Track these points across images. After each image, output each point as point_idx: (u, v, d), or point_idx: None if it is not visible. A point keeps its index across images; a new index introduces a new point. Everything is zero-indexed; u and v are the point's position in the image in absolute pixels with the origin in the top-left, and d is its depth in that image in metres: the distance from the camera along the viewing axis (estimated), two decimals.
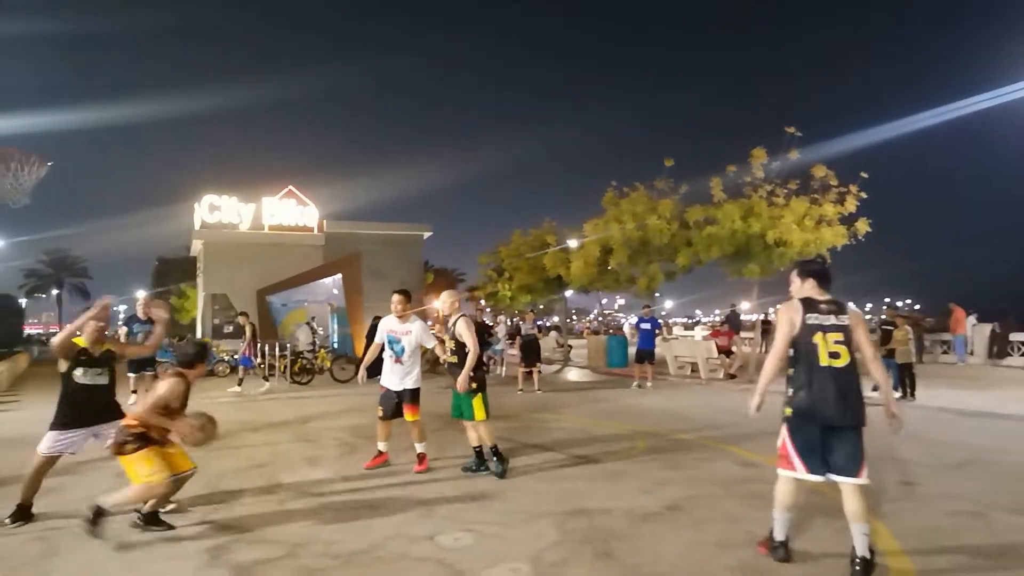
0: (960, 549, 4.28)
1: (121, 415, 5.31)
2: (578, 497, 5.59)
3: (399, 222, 30.34)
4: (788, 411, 4.02)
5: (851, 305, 4.07)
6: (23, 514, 5.10)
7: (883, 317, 13.64)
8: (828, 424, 3.88)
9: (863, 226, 14.10)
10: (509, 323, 24.07)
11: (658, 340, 15.64)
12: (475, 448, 6.57)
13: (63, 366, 5.27)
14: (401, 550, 4.38)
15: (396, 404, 6.69)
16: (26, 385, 17.64)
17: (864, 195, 14.09)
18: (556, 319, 47.55)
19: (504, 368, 18.62)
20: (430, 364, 18.29)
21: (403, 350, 6.73)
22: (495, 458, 6.39)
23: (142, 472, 4.61)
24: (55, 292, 72.28)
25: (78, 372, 5.25)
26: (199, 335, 28.21)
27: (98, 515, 4.54)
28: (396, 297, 6.93)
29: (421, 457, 6.66)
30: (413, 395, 6.72)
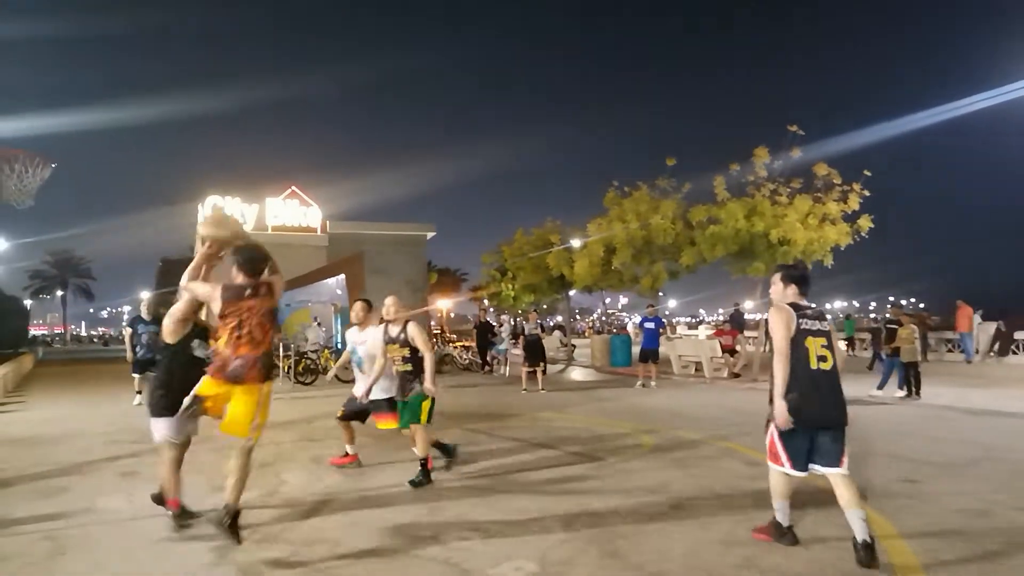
0: (966, 546, 4.28)
1: None
2: (584, 496, 5.59)
3: (402, 222, 30.37)
4: (785, 405, 4.15)
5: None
6: (185, 514, 4.90)
7: (888, 316, 13.63)
8: (818, 424, 4.11)
9: (866, 224, 14.10)
10: (512, 323, 24.08)
11: (662, 339, 15.64)
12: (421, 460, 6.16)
13: (173, 339, 4.85)
14: (407, 549, 4.39)
15: (361, 410, 6.69)
16: (31, 386, 17.71)
17: (867, 193, 14.09)
18: (560, 319, 47.57)
19: (508, 368, 18.62)
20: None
21: (360, 360, 6.64)
22: (421, 468, 6.05)
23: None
24: (59, 293, 72.46)
25: (195, 344, 4.89)
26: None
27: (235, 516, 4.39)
28: (357, 305, 6.80)
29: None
30: (379, 405, 6.58)
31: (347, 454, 6.83)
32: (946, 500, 5.36)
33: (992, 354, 19.73)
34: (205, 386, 4.37)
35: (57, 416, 11.34)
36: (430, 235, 30.57)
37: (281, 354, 16.31)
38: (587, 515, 5.06)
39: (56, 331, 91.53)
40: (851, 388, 13.51)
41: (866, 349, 24.35)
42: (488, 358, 19.73)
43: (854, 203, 14.00)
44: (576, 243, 19.38)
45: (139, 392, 12.42)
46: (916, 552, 4.18)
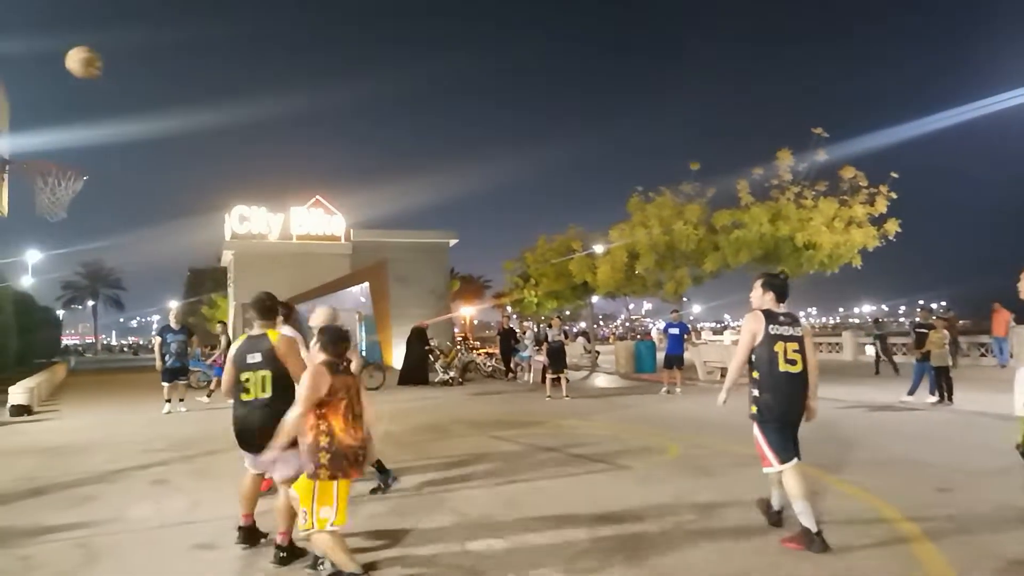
0: (999, 556, 4.17)
1: None
2: (609, 503, 5.56)
3: (425, 229, 30.52)
4: (754, 409, 4.55)
5: (802, 320, 4.66)
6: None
7: (917, 319, 13.39)
8: (786, 419, 4.50)
9: (893, 227, 13.88)
10: (536, 329, 24.07)
11: (687, 345, 15.52)
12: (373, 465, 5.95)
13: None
14: (432, 556, 4.39)
15: None
16: (64, 395, 18.05)
17: (894, 195, 13.87)
18: (583, 325, 47.43)
19: (532, 375, 18.59)
20: (459, 370, 18.35)
21: None
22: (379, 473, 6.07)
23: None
24: (91, 303, 73.80)
25: None
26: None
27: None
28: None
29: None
30: None
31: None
32: (979, 508, 5.24)
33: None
34: (343, 488, 3.92)
35: (88, 425, 11.55)
36: (453, 242, 30.70)
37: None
38: (613, 523, 5.02)
39: (87, 341, 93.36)
40: (881, 394, 13.29)
41: (894, 354, 23.97)
42: (512, 365, 19.72)
43: (881, 206, 13.80)
44: (599, 249, 19.32)
45: (168, 401, 12.61)
46: (951, 562, 4.09)
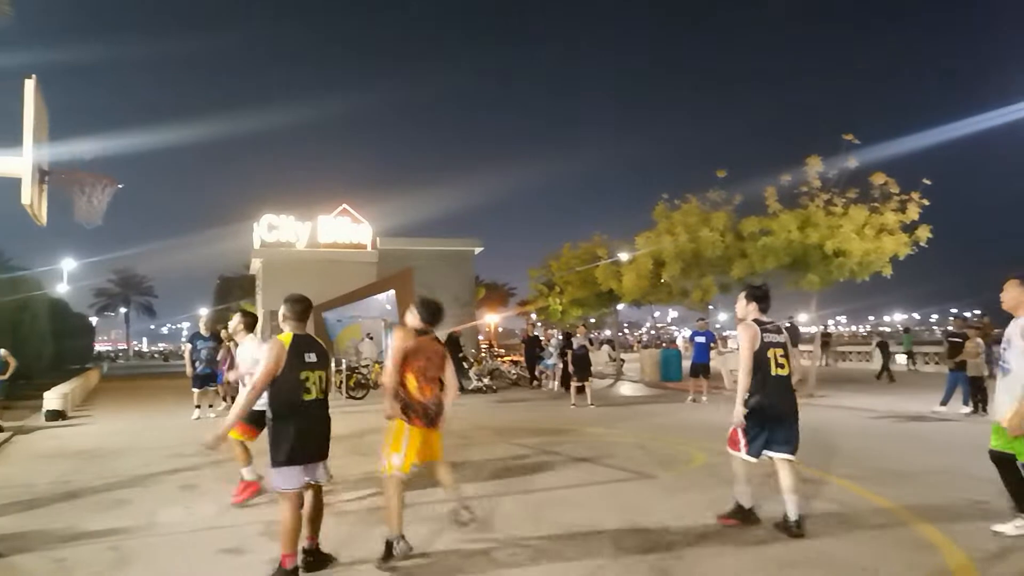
0: None
1: None
2: (634, 513, 5.52)
3: (450, 237, 30.67)
4: (746, 410, 4.94)
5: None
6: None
7: (950, 328, 13.12)
8: (777, 417, 4.94)
9: (925, 233, 13.61)
10: (560, 337, 24.03)
11: (713, 353, 15.38)
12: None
13: None
14: (457, 565, 4.40)
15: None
16: (97, 400, 18.41)
17: (927, 202, 13.62)
18: (608, 333, 47.23)
19: (556, 382, 18.55)
20: (484, 377, 18.36)
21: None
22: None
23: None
24: (123, 310, 75.17)
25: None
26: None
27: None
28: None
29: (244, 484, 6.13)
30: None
31: (246, 482, 6.18)
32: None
33: None
34: (414, 439, 4.50)
35: (121, 430, 11.75)
36: (478, 250, 30.83)
37: (332, 369, 16.59)
38: (638, 533, 4.99)
39: (120, 347, 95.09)
40: (913, 404, 13.04)
41: (927, 363, 23.53)
42: (536, 372, 19.70)
43: (913, 213, 13.55)
44: (624, 256, 19.24)
45: (198, 407, 12.79)
46: (982, 573, 4.00)
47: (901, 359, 24.46)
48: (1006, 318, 4.92)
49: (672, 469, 7.27)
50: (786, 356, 4.98)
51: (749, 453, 4.95)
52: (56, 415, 13.10)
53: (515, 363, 22.08)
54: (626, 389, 18.69)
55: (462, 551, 4.64)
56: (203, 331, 12.87)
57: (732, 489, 5.12)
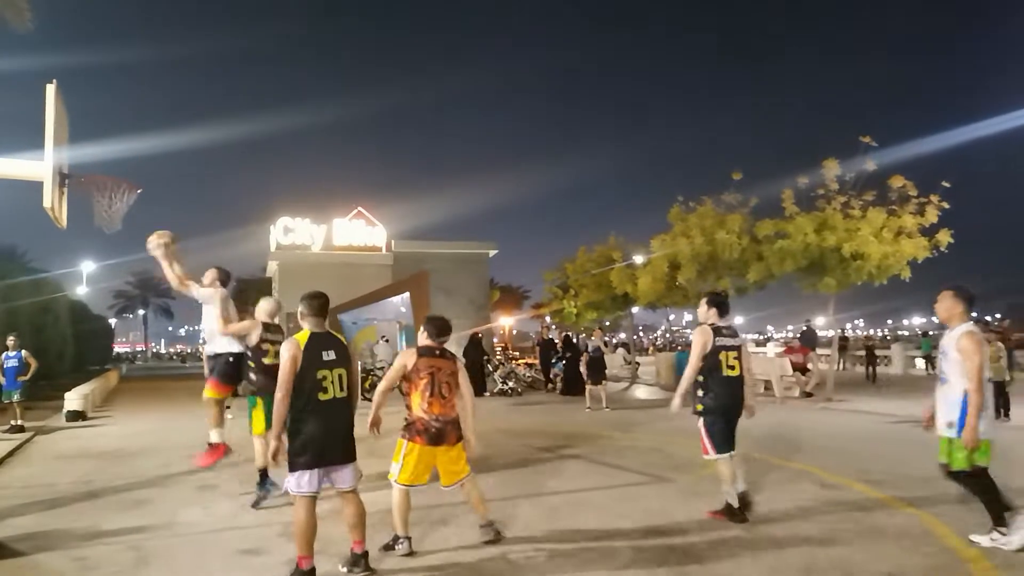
0: None
1: None
2: (652, 516, 5.50)
3: (465, 240, 30.71)
4: (700, 407, 5.36)
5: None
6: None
7: None
8: (728, 416, 5.36)
9: (945, 237, 13.45)
10: (576, 340, 23.97)
11: None
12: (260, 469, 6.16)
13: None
14: (475, 566, 4.40)
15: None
16: (116, 401, 18.61)
17: (946, 205, 13.46)
18: (623, 336, 47.06)
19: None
20: (514, 381, 18.36)
21: None
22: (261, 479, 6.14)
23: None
24: (141, 312, 75.85)
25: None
26: None
27: None
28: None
29: (210, 447, 6.22)
30: (216, 372, 6.23)
31: (212, 445, 6.26)
32: None
33: None
34: (411, 454, 4.62)
35: (140, 431, 11.87)
36: (492, 253, 30.85)
37: (357, 367, 16.65)
38: (655, 536, 4.97)
39: (138, 348, 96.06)
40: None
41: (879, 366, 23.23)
42: (551, 375, 19.67)
43: (932, 216, 13.39)
44: (639, 259, 19.17)
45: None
46: None
47: (920, 363, 24.18)
48: None
49: (689, 473, 7.23)
50: (739, 359, 5.41)
51: (720, 452, 5.32)
52: (76, 416, 13.26)
53: (530, 366, 22.05)
54: (641, 392, 18.62)
55: (480, 553, 4.65)
56: None
57: (722, 486, 5.38)
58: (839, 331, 20.00)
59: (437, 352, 4.77)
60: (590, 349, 14.67)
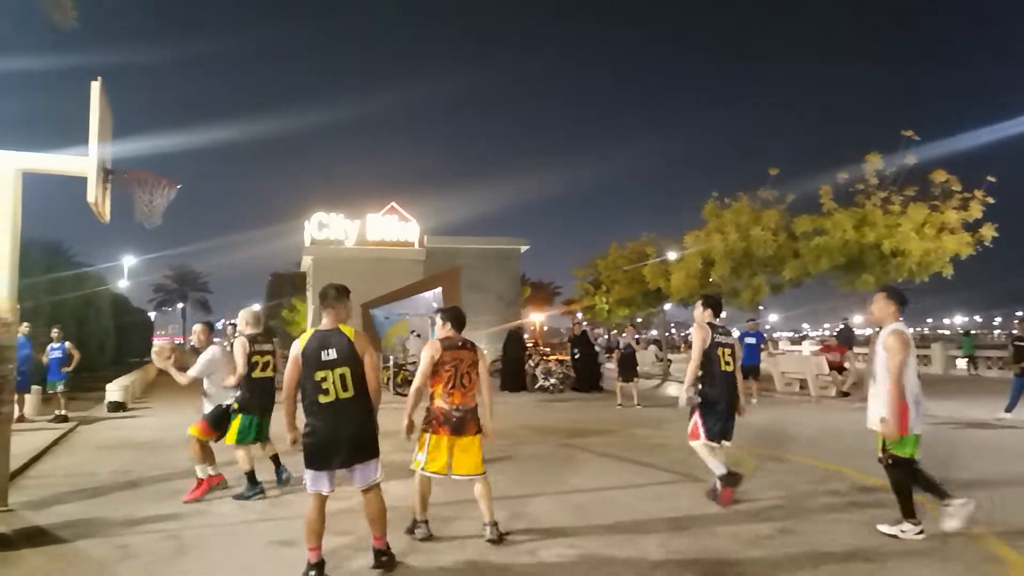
0: None
1: None
2: (682, 516, 5.45)
3: (496, 236, 30.75)
4: (699, 399, 5.86)
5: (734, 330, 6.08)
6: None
7: (1015, 332, 12.58)
8: (726, 409, 5.81)
9: (989, 232, 13.07)
10: (607, 337, 23.84)
11: (763, 355, 15.06)
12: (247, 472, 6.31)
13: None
14: (504, 562, 4.41)
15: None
16: (155, 393, 19.01)
17: (991, 200, 13.08)
18: (654, 333, 46.68)
19: (602, 382, 18.44)
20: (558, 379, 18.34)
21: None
22: (248, 482, 6.26)
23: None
24: (180, 306, 77.39)
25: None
26: None
27: None
28: (198, 328, 6.82)
29: (198, 483, 6.24)
30: (207, 415, 6.36)
31: (201, 480, 6.29)
32: None
33: None
34: (436, 444, 4.76)
35: (178, 423, 12.07)
36: (524, 249, 30.85)
37: (380, 366, 16.80)
38: (686, 537, 4.92)
39: (176, 341, 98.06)
40: (974, 410, 12.57)
41: (990, 368, 22.64)
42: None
43: (976, 211, 13.02)
44: (672, 256, 19.00)
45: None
46: None
47: (961, 363, 23.57)
48: None
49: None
50: (733, 356, 5.88)
51: (709, 438, 5.79)
52: (117, 406, 13.59)
53: (560, 362, 22.00)
54: (673, 390, 18.45)
55: (509, 549, 4.65)
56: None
57: (708, 466, 5.89)
58: (877, 329, 19.52)
59: (459, 343, 4.87)
60: (621, 346, 14.58)
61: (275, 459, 6.74)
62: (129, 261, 36.14)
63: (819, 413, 12.75)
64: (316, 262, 28.50)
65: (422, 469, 4.79)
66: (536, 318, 40.48)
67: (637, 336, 16.40)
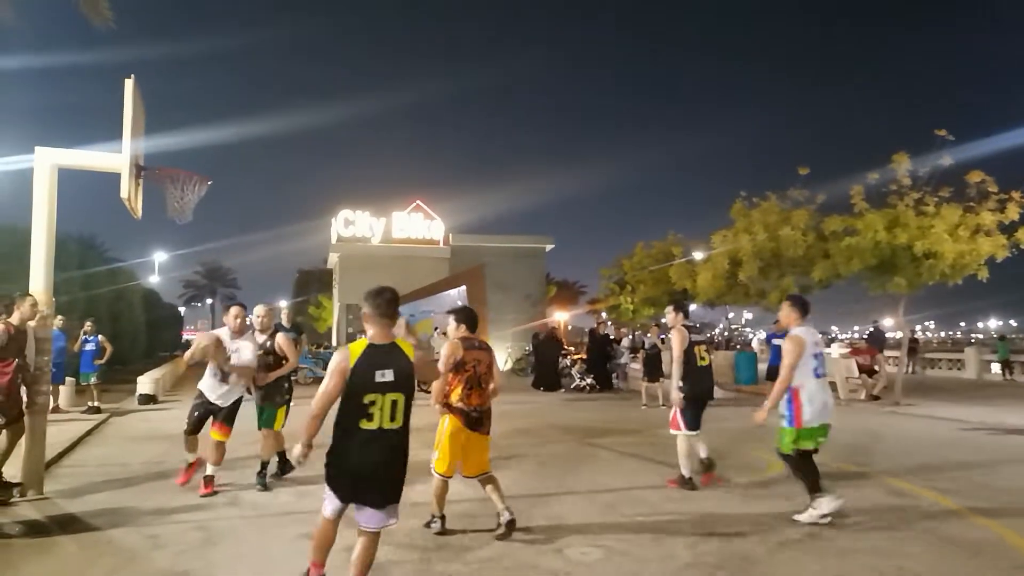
0: None
1: None
2: (710, 518, 5.40)
3: (522, 234, 30.74)
4: (681, 394, 6.36)
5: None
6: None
7: None
8: (703, 399, 6.52)
9: None
10: (632, 337, 23.72)
11: None
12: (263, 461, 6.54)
13: None
14: (530, 561, 4.40)
15: (202, 417, 6.32)
16: (186, 386, 19.29)
17: None
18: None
19: (626, 382, 18.35)
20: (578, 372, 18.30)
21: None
22: (261, 471, 6.46)
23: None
24: (208, 301, 78.45)
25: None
26: (334, 343, 29.81)
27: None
28: (233, 310, 6.34)
29: (208, 480, 6.19)
30: (227, 414, 6.28)
31: (190, 464, 6.48)
32: None
33: None
34: (453, 437, 4.91)
35: None
36: (549, 247, 30.80)
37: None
38: (713, 538, 4.88)
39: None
40: (1010, 416, 12.27)
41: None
42: (608, 372, 19.49)
43: (1013, 213, 12.71)
44: (699, 255, 18.84)
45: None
46: None
47: (995, 368, 23.05)
48: None
49: (747, 475, 7.07)
50: (708, 351, 6.62)
51: (690, 428, 6.36)
52: (148, 399, 13.84)
53: (584, 361, 21.92)
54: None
55: (535, 547, 4.65)
56: (285, 323, 13.28)
57: (681, 455, 6.40)
58: (910, 332, 19.20)
59: (476, 344, 4.96)
60: (646, 346, 14.48)
61: (264, 464, 6.61)
62: (160, 257, 36.77)
63: (848, 416, 12.54)
64: (342, 259, 28.73)
65: (435, 471, 4.95)
66: (560, 317, 40.41)
67: (663, 336, 16.27)
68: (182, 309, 64.06)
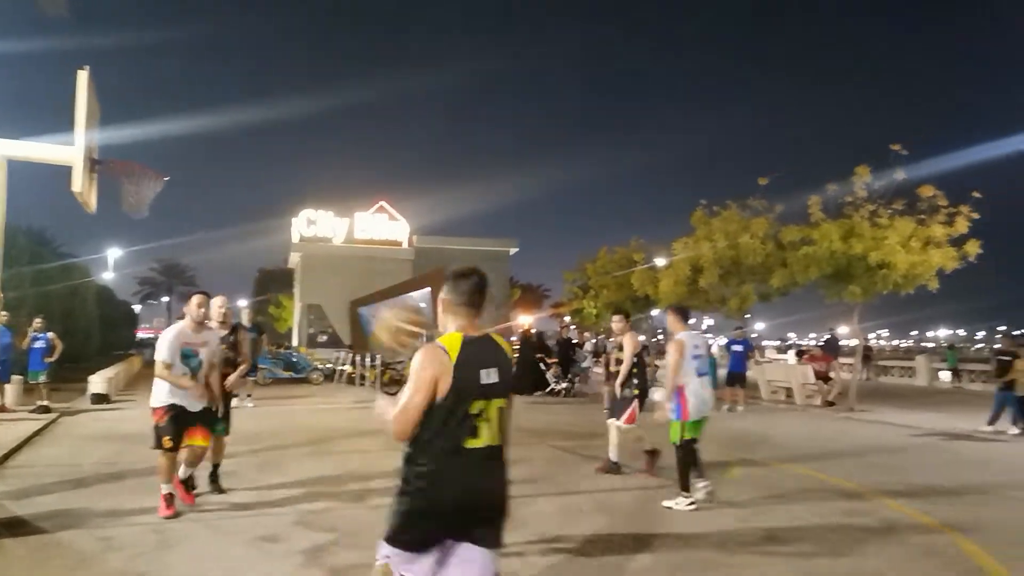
0: None
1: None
2: (668, 522, 5.46)
3: (486, 236, 30.76)
4: (636, 391, 7.21)
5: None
6: None
7: (998, 347, 12.73)
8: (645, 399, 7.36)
9: (974, 248, 13.21)
10: (595, 341, 23.89)
11: (750, 363, 15.15)
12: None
13: None
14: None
15: (180, 428, 5.46)
16: (140, 385, 18.84)
17: (976, 215, 13.23)
18: (642, 338, 46.81)
19: (588, 385, 18.48)
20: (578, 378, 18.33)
21: (200, 365, 5.49)
22: (213, 472, 6.22)
23: None
24: (165, 299, 76.63)
25: None
26: (295, 343, 29.41)
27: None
28: (196, 299, 5.53)
29: (187, 484, 5.72)
30: (206, 415, 5.63)
31: (180, 491, 5.66)
32: None
33: None
34: None
35: None
36: (513, 251, 30.89)
37: (368, 364, 16.75)
38: (673, 541, 4.94)
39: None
40: (959, 422, 12.68)
41: (973, 381, 22.87)
42: (570, 375, 19.61)
43: (962, 226, 13.17)
44: (661, 262, 19.09)
45: (236, 395, 12.98)
46: None
47: (945, 376, 23.81)
48: None
49: (707, 478, 7.16)
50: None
51: (636, 422, 7.22)
52: (101, 398, 13.47)
53: (547, 365, 22.00)
54: (660, 395, 18.48)
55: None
56: (245, 322, 13.08)
57: (609, 449, 7.35)
58: (864, 340, 19.71)
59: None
60: (608, 350, 14.60)
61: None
62: (115, 253, 35.80)
63: (804, 422, 12.83)
64: (304, 259, 28.40)
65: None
66: (524, 321, 40.50)
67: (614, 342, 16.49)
68: (137, 307, 62.48)
